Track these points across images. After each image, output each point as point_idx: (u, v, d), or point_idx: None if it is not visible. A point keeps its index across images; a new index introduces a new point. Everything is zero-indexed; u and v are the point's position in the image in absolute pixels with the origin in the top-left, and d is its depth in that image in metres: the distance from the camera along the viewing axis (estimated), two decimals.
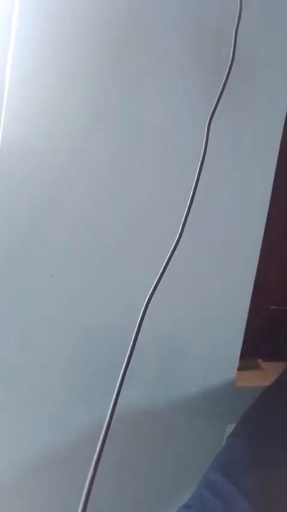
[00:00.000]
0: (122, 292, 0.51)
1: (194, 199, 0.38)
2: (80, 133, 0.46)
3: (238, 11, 0.41)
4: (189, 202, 0.34)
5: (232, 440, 0.48)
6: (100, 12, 0.44)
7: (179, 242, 0.34)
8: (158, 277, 0.31)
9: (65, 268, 0.48)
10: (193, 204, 0.40)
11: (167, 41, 0.47)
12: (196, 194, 0.39)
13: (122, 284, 0.51)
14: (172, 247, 0.33)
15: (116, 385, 0.48)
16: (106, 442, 0.49)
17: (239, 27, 0.45)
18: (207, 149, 0.37)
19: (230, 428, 0.60)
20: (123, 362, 0.47)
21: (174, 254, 0.42)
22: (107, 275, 0.50)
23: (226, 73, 0.38)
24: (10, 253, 0.46)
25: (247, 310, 0.57)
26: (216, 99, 0.37)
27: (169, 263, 0.32)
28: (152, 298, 0.43)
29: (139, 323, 0.28)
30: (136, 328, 0.28)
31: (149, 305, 0.51)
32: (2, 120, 0.44)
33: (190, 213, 0.41)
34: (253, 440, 0.46)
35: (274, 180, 0.55)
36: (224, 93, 0.42)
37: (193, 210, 0.45)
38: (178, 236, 0.33)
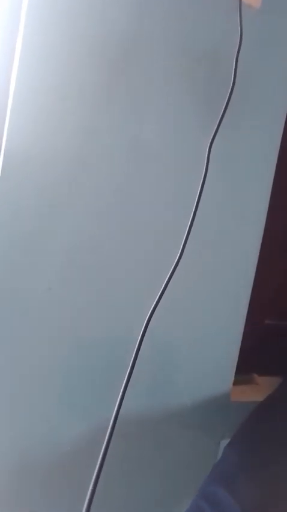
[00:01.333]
0: (120, 306, 0.51)
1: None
2: (78, 150, 0.47)
3: (239, 38, 0.42)
4: (190, 221, 0.35)
5: (228, 452, 0.49)
6: (101, 31, 0.46)
7: (180, 259, 0.35)
8: (159, 294, 0.32)
9: (63, 281, 0.49)
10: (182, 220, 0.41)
11: (166, 63, 0.48)
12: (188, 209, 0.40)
13: (119, 298, 0.51)
14: (173, 265, 0.33)
15: (114, 396, 0.48)
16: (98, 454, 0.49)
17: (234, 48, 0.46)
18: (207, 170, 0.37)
19: (224, 443, 0.60)
20: (122, 373, 0.47)
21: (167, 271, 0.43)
22: (105, 289, 0.51)
23: (227, 98, 0.39)
24: (8, 264, 0.47)
25: (243, 325, 0.58)
26: (217, 123, 0.38)
27: (169, 281, 0.33)
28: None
29: (140, 338, 0.29)
30: (137, 343, 0.29)
31: (140, 320, 0.52)
32: (6, 131, 0.44)
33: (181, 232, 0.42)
34: (250, 453, 0.46)
35: (270, 197, 0.56)
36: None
37: (182, 227, 0.46)
38: (179, 254, 0.34)
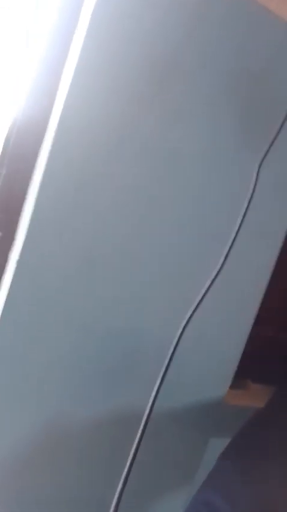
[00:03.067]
0: (137, 305, 0.54)
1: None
2: (119, 152, 0.49)
3: None
4: (235, 234, 0.37)
5: (223, 460, 0.51)
6: (150, 51, 0.47)
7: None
8: (199, 299, 0.34)
9: (81, 271, 0.51)
10: (216, 231, 0.42)
11: (209, 83, 0.50)
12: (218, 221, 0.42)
13: (130, 292, 0.54)
14: (215, 273, 0.36)
15: (121, 387, 0.51)
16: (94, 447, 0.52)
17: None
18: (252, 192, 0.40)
19: (213, 440, 0.64)
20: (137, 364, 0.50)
21: (188, 273, 0.45)
22: (117, 281, 0.53)
23: (283, 120, 0.41)
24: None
25: (247, 335, 0.61)
26: (268, 146, 0.40)
27: (210, 288, 0.35)
28: (161, 316, 0.46)
29: (177, 340, 0.32)
30: (173, 345, 0.31)
31: (153, 322, 0.54)
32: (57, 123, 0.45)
33: (211, 240, 0.44)
34: (245, 464, 0.49)
35: None
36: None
37: (209, 239, 0.48)
38: (221, 263, 0.36)
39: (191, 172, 0.52)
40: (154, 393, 0.31)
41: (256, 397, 0.65)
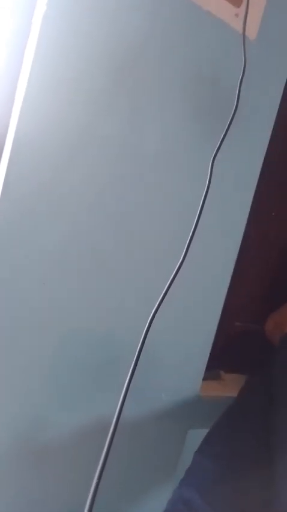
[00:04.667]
0: (108, 303, 0.55)
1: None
2: (79, 154, 0.49)
3: (243, 64, 0.46)
4: (193, 226, 0.38)
5: (200, 458, 0.53)
6: (111, 43, 0.48)
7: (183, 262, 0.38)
8: (162, 295, 0.35)
9: (57, 276, 0.51)
10: (179, 226, 0.44)
11: (170, 80, 0.51)
12: (182, 216, 0.44)
13: (109, 294, 0.55)
14: (175, 270, 0.37)
15: (102, 391, 0.51)
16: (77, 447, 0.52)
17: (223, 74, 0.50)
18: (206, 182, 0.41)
19: (192, 433, 0.66)
20: (112, 367, 0.51)
21: (157, 270, 0.47)
22: (96, 285, 0.54)
23: (231, 115, 0.43)
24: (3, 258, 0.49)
25: (216, 326, 0.63)
26: (221, 138, 0.42)
27: (172, 283, 0.36)
28: (132, 311, 0.47)
29: (143, 338, 0.32)
30: (140, 343, 0.32)
31: (129, 317, 0.56)
32: (14, 131, 0.46)
33: (175, 236, 0.46)
34: (219, 460, 0.51)
35: (249, 212, 0.61)
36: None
37: (178, 232, 0.50)
38: (182, 257, 0.37)
39: (153, 169, 0.53)
40: (123, 391, 0.32)
41: (230, 387, 0.68)
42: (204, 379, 0.67)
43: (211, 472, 0.49)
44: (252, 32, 0.52)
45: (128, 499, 0.64)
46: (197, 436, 0.60)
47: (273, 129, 0.59)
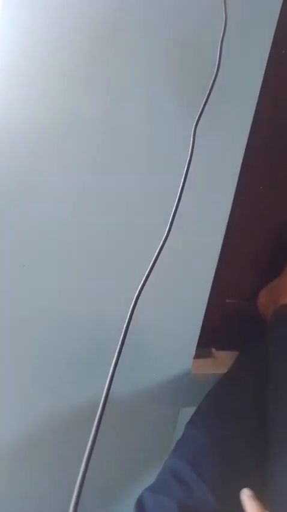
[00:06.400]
0: (93, 284, 0.53)
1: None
2: (56, 133, 0.47)
3: (223, 25, 0.43)
4: (175, 204, 0.37)
5: (191, 430, 0.52)
6: (84, 14, 0.45)
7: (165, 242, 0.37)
8: (145, 277, 0.34)
9: (37, 258, 0.50)
10: (162, 203, 0.43)
11: (147, 50, 0.49)
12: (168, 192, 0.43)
13: (93, 276, 0.53)
14: (159, 247, 0.36)
15: (88, 374, 0.50)
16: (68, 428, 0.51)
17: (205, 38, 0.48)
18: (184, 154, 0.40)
19: (184, 411, 0.65)
20: (97, 350, 0.50)
21: (141, 250, 0.45)
22: (79, 267, 0.52)
23: (212, 82, 0.41)
24: None
25: (205, 305, 0.62)
26: (201, 107, 0.40)
27: (154, 265, 0.35)
28: (118, 292, 0.46)
29: (128, 320, 0.31)
30: (125, 325, 0.31)
31: (116, 299, 0.54)
32: None
33: (158, 212, 0.44)
34: (211, 431, 0.50)
35: (237, 186, 0.60)
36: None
37: (162, 209, 0.49)
38: (164, 237, 0.36)
39: (134, 148, 0.51)
40: (111, 370, 0.31)
41: (222, 364, 0.67)
42: (196, 357, 0.66)
43: (202, 444, 0.49)
44: None
45: (122, 481, 0.64)
46: (189, 414, 0.60)
47: (260, 95, 0.57)
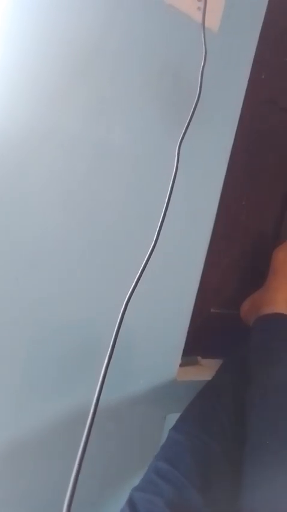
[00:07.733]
0: (82, 292, 0.55)
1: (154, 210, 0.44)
2: (43, 149, 0.50)
3: (203, 55, 0.47)
4: (162, 214, 0.40)
5: (174, 435, 0.55)
6: (70, 37, 0.48)
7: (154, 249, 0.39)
8: (133, 284, 0.36)
9: (26, 264, 0.52)
10: (149, 215, 0.46)
11: (131, 72, 0.52)
12: (151, 206, 0.45)
13: (81, 284, 0.55)
14: (146, 257, 0.38)
15: (78, 381, 0.52)
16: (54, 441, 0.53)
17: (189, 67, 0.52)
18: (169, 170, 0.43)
19: (170, 417, 0.67)
20: (88, 358, 0.52)
21: (128, 259, 0.48)
22: (67, 273, 0.54)
23: (195, 103, 0.45)
24: None
25: (191, 313, 0.64)
26: (185, 126, 0.43)
27: (143, 271, 0.37)
28: (107, 300, 0.48)
29: (117, 327, 0.33)
30: (115, 331, 0.33)
31: (104, 307, 0.57)
32: None
33: (144, 224, 0.47)
34: (191, 436, 0.53)
35: (220, 198, 0.63)
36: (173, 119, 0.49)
37: (147, 221, 0.51)
38: (153, 244, 0.38)
39: (120, 159, 0.54)
40: (101, 378, 0.33)
41: (207, 371, 0.70)
42: (182, 364, 0.69)
43: (183, 446, 0.51)
44: (214, 24, 0.53)
45: (109, 487, 0.65)
46: (175, 420, 0.62)
47: (240, 119, 0.61)
